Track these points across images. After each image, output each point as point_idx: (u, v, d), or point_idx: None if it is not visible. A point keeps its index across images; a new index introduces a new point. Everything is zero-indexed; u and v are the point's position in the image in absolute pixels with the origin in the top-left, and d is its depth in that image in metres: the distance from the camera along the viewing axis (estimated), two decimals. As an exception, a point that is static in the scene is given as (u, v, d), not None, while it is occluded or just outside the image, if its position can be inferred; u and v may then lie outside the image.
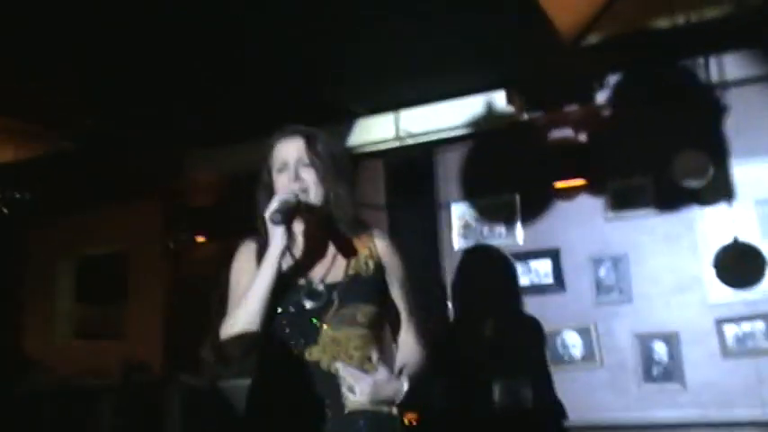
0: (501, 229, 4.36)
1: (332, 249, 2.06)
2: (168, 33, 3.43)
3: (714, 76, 3.91)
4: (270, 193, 2.03)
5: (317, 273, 2.02)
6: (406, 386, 1.97)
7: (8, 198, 4.88)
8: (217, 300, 3.72)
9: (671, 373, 3.85)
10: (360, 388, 1.91)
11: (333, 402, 1.90)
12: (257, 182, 2.10)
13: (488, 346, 4.12)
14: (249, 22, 3.36)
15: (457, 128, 4.37)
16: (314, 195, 2.02)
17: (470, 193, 4.46)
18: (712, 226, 3.88)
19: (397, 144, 4.52)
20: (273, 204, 1.92)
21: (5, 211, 4.84)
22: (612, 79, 4.11)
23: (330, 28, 3.44)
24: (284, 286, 1.97)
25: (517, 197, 4.34)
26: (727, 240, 3.78)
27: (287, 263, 2.01)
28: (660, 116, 4.01)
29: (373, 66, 3.86)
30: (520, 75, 4.14)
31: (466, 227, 4.43)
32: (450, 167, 4.55)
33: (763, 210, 3.83)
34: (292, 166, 2.03)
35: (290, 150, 2.05)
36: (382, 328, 2.09)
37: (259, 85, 4.05)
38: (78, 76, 3.87)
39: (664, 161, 3.84)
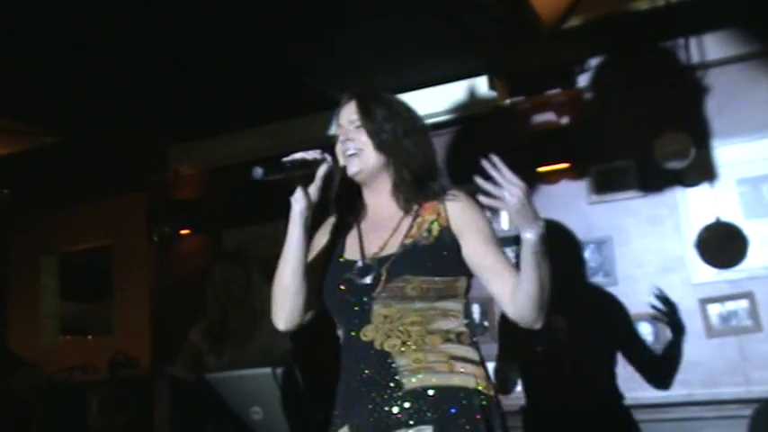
0: (486, 214, 4.35)
1: (395, 218, 1.94)
2: (148, 25, 3.40)
3: (694, 56, 3.93)
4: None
5: (374, 246, 1.89)
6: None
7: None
8: (209, 289, 3.72)
9: (657, 353, 3.87)
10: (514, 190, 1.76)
11: (387, 383, 1.76)
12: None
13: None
14: (230, 11, 3.33)
15: (439, 114, 4.36)
16: (367, 157, 1.93)
17: (454, 180, 4.45)
18: (695, 207, 3.90)
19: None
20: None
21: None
22: (594, 62, 4.12)
23: (311, 15, 3.42)
24: (338, 263, 1.91)
25: (501, 182, 4.33)
26: (710, 221, 3.81)
27: (338, 237, 1.96)
28: (641, 98, 4.03)
29: (354, 53, 3.84)
30: (501, 60, 4.13)
31: (451, 213, 4.42)
32: (433, 154, 4.53)
33: (744, 189, 3.86)
34: (345, 129, 1.98)
35: (344, 113, 2.01)
36: (457, 299, 1.87)
37: (241, 75, 4.02)
38: (61, 71, 3.83)
39: (646, 143, 3.85)
